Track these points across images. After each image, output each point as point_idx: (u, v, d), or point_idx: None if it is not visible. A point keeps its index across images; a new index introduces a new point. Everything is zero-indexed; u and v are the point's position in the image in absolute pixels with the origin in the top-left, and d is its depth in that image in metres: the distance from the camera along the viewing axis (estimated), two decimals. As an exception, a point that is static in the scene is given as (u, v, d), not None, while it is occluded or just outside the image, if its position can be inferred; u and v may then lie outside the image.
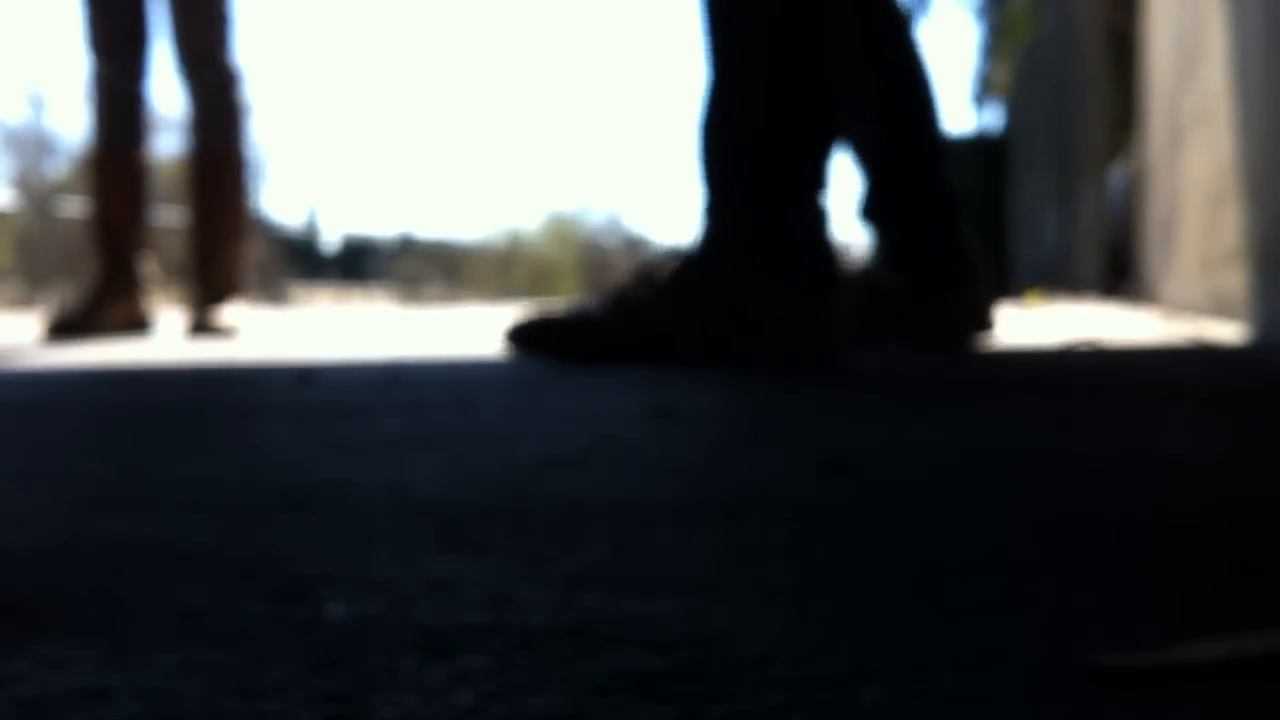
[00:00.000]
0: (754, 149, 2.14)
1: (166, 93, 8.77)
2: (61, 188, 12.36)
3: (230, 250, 3.69)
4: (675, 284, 2.14)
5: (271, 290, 12.87)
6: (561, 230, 24.74)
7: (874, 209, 2.57)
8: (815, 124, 2.15)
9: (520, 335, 2.20)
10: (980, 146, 10.88)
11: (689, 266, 2.15)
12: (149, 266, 3.69)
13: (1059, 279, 8.80)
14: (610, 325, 2.16)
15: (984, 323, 2.50)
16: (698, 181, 2.19)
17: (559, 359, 2.15)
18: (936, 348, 2.41)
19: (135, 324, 3.62)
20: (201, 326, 3.53)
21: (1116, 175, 8.00)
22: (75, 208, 10.27)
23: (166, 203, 6.23)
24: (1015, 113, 13.19)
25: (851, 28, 2.34)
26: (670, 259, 2.20)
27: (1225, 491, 0.87)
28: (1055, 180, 9.74)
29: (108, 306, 3.57)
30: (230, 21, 3.62)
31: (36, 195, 12.60)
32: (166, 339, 3.35)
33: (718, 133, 2.16)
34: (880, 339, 2.44)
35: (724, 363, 2.08)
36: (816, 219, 2.15)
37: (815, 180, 2.15)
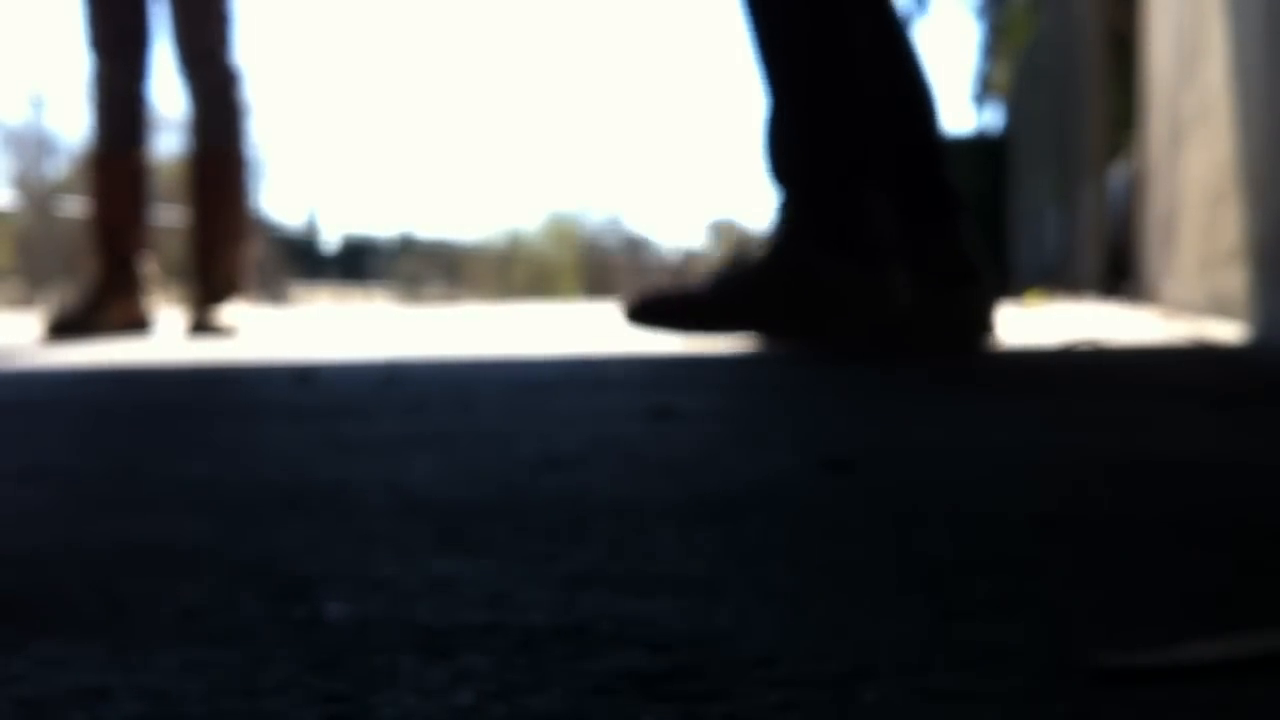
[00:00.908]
0: (820, 149, 2.45)
1: (166, 93, 8.76)
2: (61, 188, 12.36)
3: (230, 250, 3.69)
4: (768, 265, 2.44)
5: (271, 290, 12.88)
6: (561, 230, 24.75)
7: None
8: (864, 122, 2.45)
9: (642, 311, 2.49)
10: (980, 146, 10.89)
11: (777, 251, 2.44)
12: (149, 266, 3.69)
13: (1059, 279, 8.80)
14: (718, 301, 2.46)
15: (985, 325, 2.52)
16: (770, 181, 2.51)
17: (678, 330, 2.47)
18: (938, 349, 2.43)
19: (135, 324, 3.62)
20: (201, 326, 3.53)
21: (1116, 175, 8.00)
22: (75, 208, 10.27)
23: (166, 203, 6.23)
24: (1015, 113, 13.19)
25: (861, 31, 2.51)
26: (759, 246, 2.51)
27: (1226, 491, 0.87)
28: (1055, 180, 9.74)
29: (108, 306, 3.57)
30: (230, 21, 3.62)
31: (36, 195, 12.60)
32: (166, 339, 3.35)
33: (785, 138, 2.47)
34: (882, 339, 2.47)
35: (812, 335, 2.42)
36: (877, 206, 2.44)
37: (871, 172, 2.44)
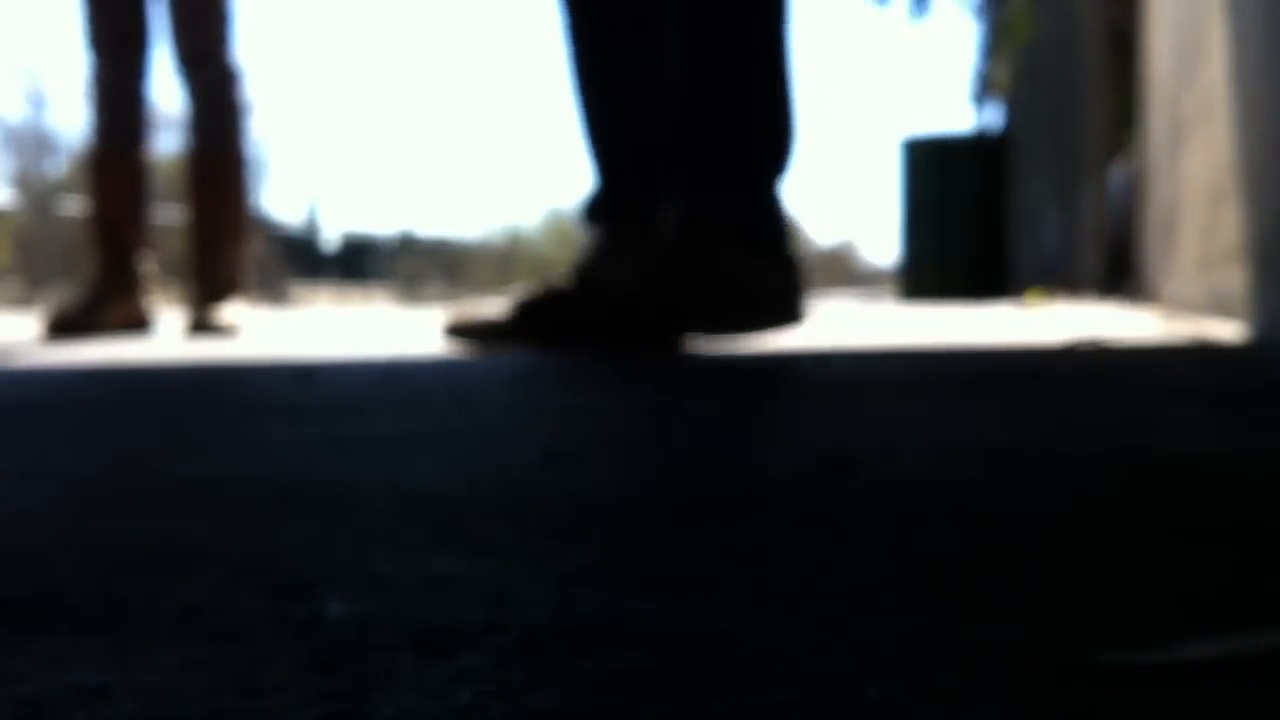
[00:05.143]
0: (726, 134, 2.26)
1: (166, 92, 8.76)
2: (61, 187, 12.37)
3: (230, 249, 3.69)
4: (664, 261, 2.20)
5: (271, 289, 12.88)
6: (561, 227, 24.75)
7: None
8: (775, 112, 2.29)
9: (518, 325, 2.25)
10: (980, 146, 10.88)
11: (677, 243, 2.21)
12: (149, 265, 3.70)
13: (1059, 279, 8.81)
14: (598, 303, 2.21)
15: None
16: (667, 167, 2.31)
17: (548, 345, 2.21)
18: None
19: (135, 323, 3.62)
20: (201, 325, 3.53)
21: (1116, 175, 8.00)
22: (75, 206, 10.28)
23: (166, 202, 6.23)
24: (1015, 113, 13.19)
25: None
26: (632, 241, 2.25)
27: (1226, 491, 0.87)
28: (1055, 180, 9.74)
29: (107, 305, 3.57)
30: (230, 20, 3.62)
31: (36, 194, 12.60)
32: (166, 338, 3.35)
33: (684, 123, 2.28)
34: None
35: (720, 332, 2.18)
36: (777, 195, 2.29)
37: (783, 160, 2.29)
